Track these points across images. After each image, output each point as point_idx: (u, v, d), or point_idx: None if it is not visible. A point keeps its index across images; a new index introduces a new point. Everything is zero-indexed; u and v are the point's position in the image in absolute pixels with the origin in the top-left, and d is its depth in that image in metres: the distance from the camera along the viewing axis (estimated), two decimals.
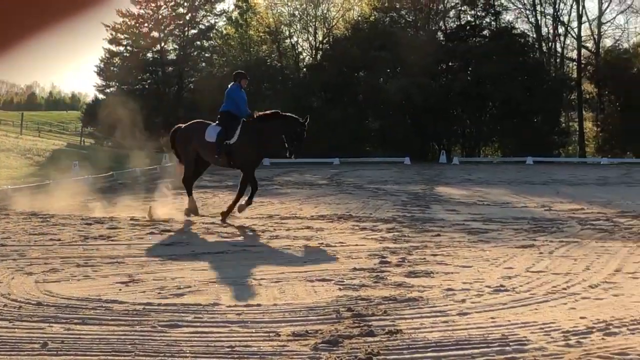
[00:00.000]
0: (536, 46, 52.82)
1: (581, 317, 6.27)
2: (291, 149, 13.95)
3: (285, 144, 13.95)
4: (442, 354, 5.27)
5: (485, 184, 24.85)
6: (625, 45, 53.27)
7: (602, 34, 52.92)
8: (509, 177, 28.20)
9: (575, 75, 52.68)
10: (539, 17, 53.12)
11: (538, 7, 52.97)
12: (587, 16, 52.87)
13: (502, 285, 7.67)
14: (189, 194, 14.80)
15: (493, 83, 47.04)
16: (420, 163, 42.19)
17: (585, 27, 53.22)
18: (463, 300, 7.01)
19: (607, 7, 52.53)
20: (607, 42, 53.48)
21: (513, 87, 46.05)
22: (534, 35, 53.08)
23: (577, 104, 51.79)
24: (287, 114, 14.41)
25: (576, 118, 52.79)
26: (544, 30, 53.48)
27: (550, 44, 53.90)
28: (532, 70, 48.73)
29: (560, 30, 53.74)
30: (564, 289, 7.53)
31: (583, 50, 53.12)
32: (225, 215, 14.17)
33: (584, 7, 52.48)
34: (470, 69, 49.71)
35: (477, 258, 9.59)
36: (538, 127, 47.73)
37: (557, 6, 52.79)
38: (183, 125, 15.32)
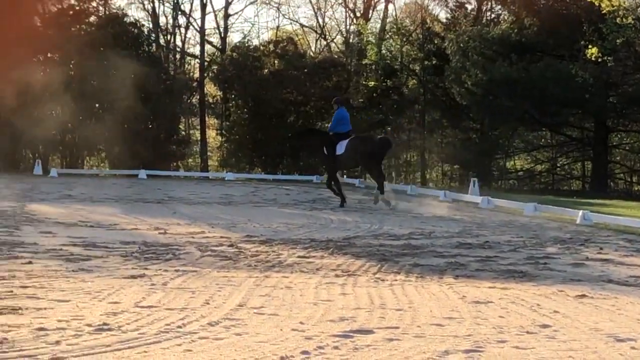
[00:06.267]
0: (152, 38, 52.07)
1: None
2: None
3: None
4: None
5: (88, 201, 24.69)
6: (256, 41, 54.59)
7: (228, 27, 54.27)
8: (118, 194, 28.25)
9: (197, 75, 53.32)
10: (156, 3, 52.98)
11: None
12: (212, 6, 54.23)
13: (105, 324, 7.66)
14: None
15: (99, 80, 45.45)
16: (10, 174, 40.65)
17: (210, 19, 54.26)
18: (58, 342, 6.91)
19: None
20: (235, 38, 54.58)
21: (124, 86, 45.31)
22: (151, 26, 52.60)
23: (199, 108, 52.31)
24: None
25: (198, 125, 53.47)
26: (162, 20, 53.17)
27: (169, 36, 54.01)
28: (147, 67, 48.23)
29: (182, 20, 53.98)
30: (179, 327, 7.69)
31: (207, 46, 54.25)
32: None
33: None
34: (72, 62, 47.81)
35: (77, 290, 9.49)
36: (154, 135, 47.32)
37: None
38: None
